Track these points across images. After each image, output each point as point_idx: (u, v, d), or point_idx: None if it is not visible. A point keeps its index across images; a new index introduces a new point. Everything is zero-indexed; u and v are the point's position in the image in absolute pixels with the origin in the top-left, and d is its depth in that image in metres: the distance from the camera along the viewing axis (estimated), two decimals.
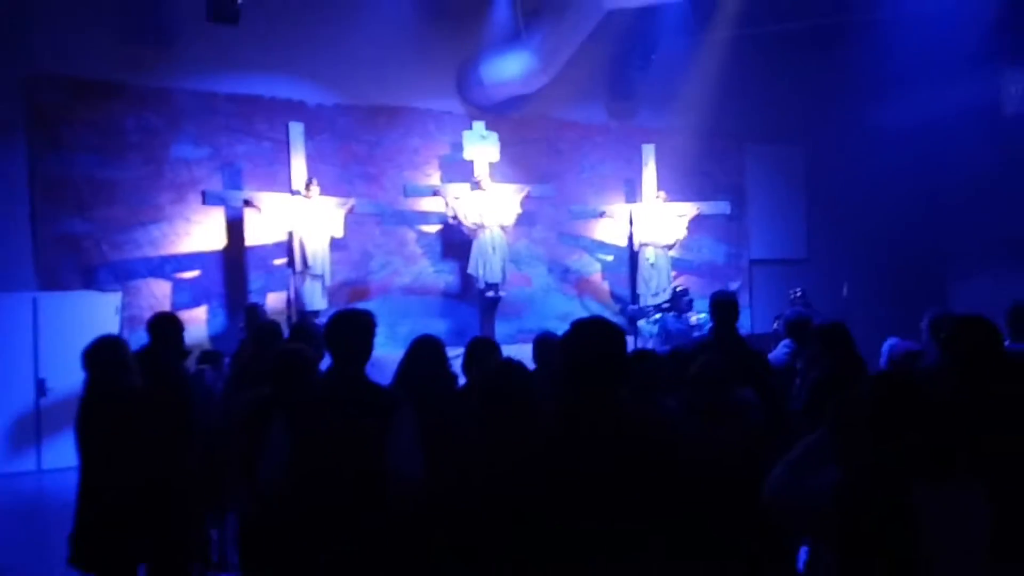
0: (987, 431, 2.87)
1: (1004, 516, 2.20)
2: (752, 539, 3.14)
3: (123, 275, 8.51)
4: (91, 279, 8.40)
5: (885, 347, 5.96)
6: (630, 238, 10.32)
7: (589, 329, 2.42)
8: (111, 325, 7.81)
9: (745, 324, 10.74)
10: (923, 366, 4.37)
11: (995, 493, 2.19)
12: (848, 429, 2.40)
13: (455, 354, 4.49)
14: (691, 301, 9.12)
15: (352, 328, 3.27)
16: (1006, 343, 5.16)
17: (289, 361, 3.70)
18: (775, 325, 7.35)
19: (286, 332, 5.81)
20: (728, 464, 3.07)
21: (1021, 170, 10.68)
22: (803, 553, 4.48)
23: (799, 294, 8.94)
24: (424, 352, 4.13)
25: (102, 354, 3.98)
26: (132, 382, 3.97)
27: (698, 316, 8.93)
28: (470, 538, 2.42)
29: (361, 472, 2.99)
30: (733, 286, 9.11)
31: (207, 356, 5.71)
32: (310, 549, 2.99)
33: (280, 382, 3.59)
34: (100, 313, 8.06)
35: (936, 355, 4.16)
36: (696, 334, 8.36)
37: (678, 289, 9.55)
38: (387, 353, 6.99)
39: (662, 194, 10.13)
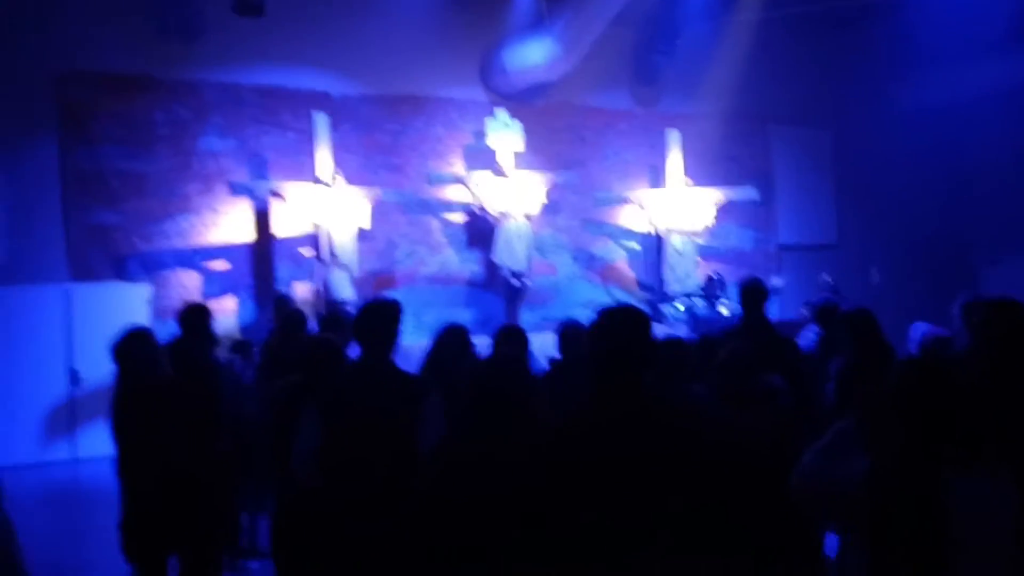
0: (1016, 417, 2.84)
1: None
2: (779, 527, 3.12)
3: (153, 266, 8.63)
4: (122, 270, 8.52)
5: (915, 333, 5.91)
6: (655, 225, 10.27)
7: (616, 316, 2.43)
8: (142, 316, 7.91)
9: (774, 311, 10.66)
10: (954, 352, 4.32)
11: (1022, 479, 2.17)
12: (878, 416, 2.39)
13: (481, 343, 4.52)
14: (724, 286, 9.08)
15: (380, 317, 3.31)
16: None
17: (319, 350, 3.76)
18: (803, 312, 7.29)
19: (313, 322, 5.87)
20: (756, 451, 3.05)
21: None
22: (830, 541, 4.47)
23: (828, 280, 8.87)
24: (451, 340, 4.18)
25: (131, 347, 4.03)
26: (161, 374, 4.03)
27: (727, 305, 8.91)
28: (473, 536, 2.41)
29: (392, 457, 3.02)
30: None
31: (237, 346, 5.77)
32: (342, 535, 3.03)
33: (310, 370, 3.64)
34: (131, 304, 8.17)
35: (967, 340, 4.12)
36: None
37: (713, 277, 9.50)
38: (413, 342, 7.05)
39: (687, 180, 10.07)
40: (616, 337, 2.34)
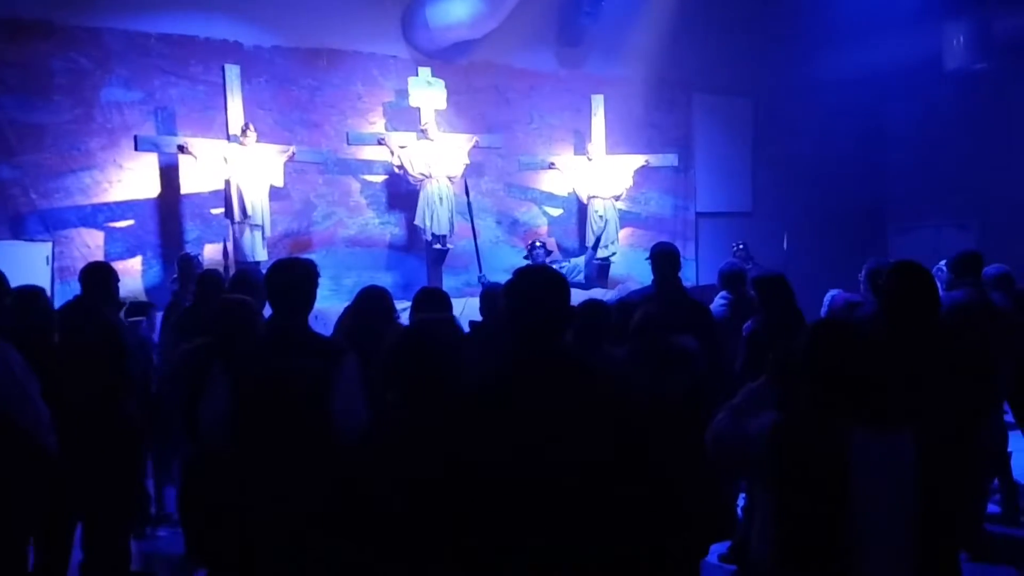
0: (917, 376, 2.93)
1: (929, 461, 2.26)
2: (693, 483, 3.16)
3: (53, 224, 8.16)
4: (20, 228, 8.04)
5: (827, 298, 6.08)
6: (578, 191, 10.27)
7: (531, 276, 2.43)
8: (42, 275, 7.49)
9: (690, 277, 10.85)
10: (861, 315, 4.44)
11: (922, 437, 2.27)
12: (787, 375, 2.44)
13: (402, 307, 4.43)
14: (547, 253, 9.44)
15: (293, 277, 3.19)
16: (942, 291, 5.31)
17: (232, 311, 3.61)
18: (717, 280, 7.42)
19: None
20: (672, 412, 3.07)
21: (963, 124, 10.88)
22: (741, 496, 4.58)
23: (741, 247, 9.04)
24: (370, 303, 4.07)
25: (27, 301, 3.84)
26: (52, 337, 3.84)
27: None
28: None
29: (305, 421, 2.93)
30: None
31: (136, 307, 5.54)
32: (252, 501, 2.92)
33: (222, 332, 3.50)
34: (30, 263, 7.70)
35: (873, 305, 4.24)
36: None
37: (537, 244, 9.58)
38: (331, 306, 6.89)
39: (600, 151, 10.06)
40: (532, 297, 2.33)
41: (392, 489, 2.29)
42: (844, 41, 10.61)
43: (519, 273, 2.40)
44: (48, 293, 4.07)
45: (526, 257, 9.36)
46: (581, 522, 2.16)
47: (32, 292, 4.03)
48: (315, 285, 3.23)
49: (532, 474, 2.15)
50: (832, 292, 6.17)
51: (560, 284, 2.37)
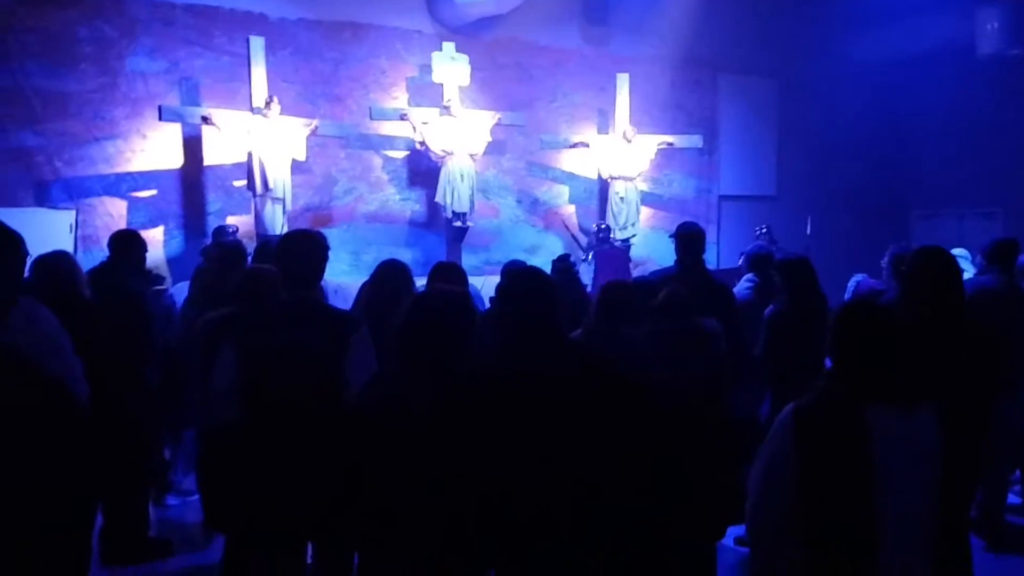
0: (938, 356, 2.90)
1: (952, 442, 2.27)
2: (708, 468, 3.14)
3: (77, 192, 8.21)
4: (44, 196, 8.10)
5: (851, 283, 6.01)
6: (601, 171, 10.20)
7: (520, 277, 2.52)
8: (65, 243, 7.54)
9: (712, 260, 10.76)
10: (884, 301, 4.38)
11: (945, 418, 2.28)
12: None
13: (420, 284, 4.41)
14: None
15: (303, 249, 3.18)
16: (973, 275, 5.24)
17: (255, 280, 3.60)
18: (740, 261, 7.35)
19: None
20: (691, 393, 3.05)
21: (992, 110, 10.68)
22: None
23: (764, 231, 8.96)
24: (390, 277, 4.06)
25: (52, 263, 3.86)
26: (84, 295, 3.86)
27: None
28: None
29: (315, 393, 2.93)
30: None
31: (153, 277, 5.59)
32: (265, 468, 2.93)
33: (244, 301, 3.50)
34: (54, 231, 7.77)
35: (896, 290, 4.19)
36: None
37: (603, 227, 9.66)
38: (351, 281, 6.89)
39: (631, 129, 9.97)
40: (520, 300, 2.40)
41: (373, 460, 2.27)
42: (875, 23, 10.43)
43: (508, 274, 2.52)
44: (71, 257, 4.08)
45: (592, 241, 9.64)
46: (585, 508, 2.16)
47: (56, 255, 4.05)
48: (325, 257, 3.23)
49: (526, 466, 2.14)
50: (857, 277, 6.10)
51: (545, 286, 2.45)
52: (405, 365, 2.36)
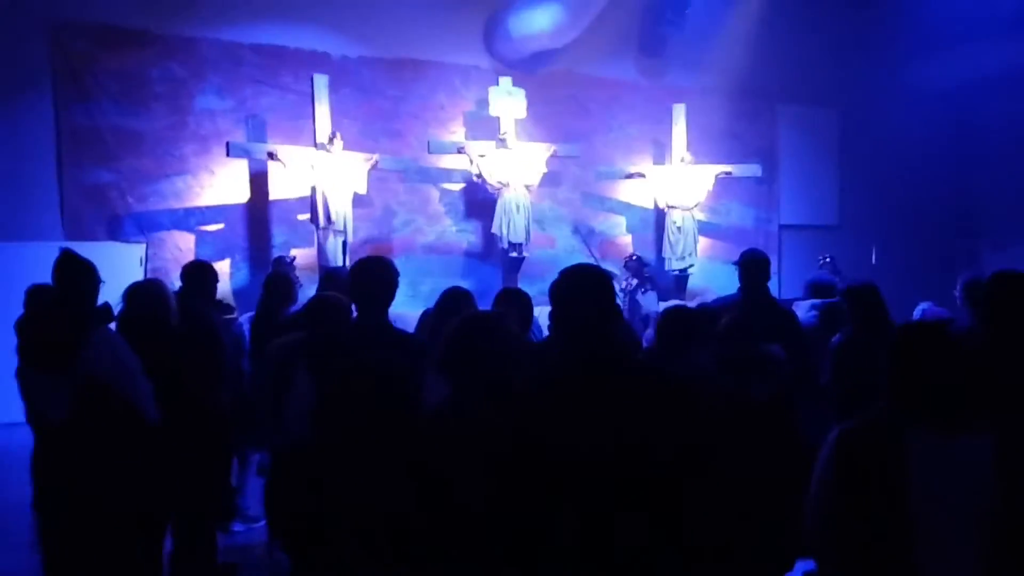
0: (1011, 383, 2.81)
1: (1009, 472, 2.16)
2: (776, 497, 3.07)
3: (147, 226, 8.52)
4: (116, 230, 8.42)
5: (917, 311, 5.86)
6: (657, 201, 10.17)
7: (576, 274, 2.41)
8: (136, 276, 7.78)
9: (773, 289, 10.57)
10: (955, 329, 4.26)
11: (1003, 448, 2.17)
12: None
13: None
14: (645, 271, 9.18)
15: (375, 274, 3.24)
16: None
17: (324, 306, 3.67)
18: (803, 291, 7.22)
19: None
20: (757, 419, 3.00)
21: None
22: None
23: (828, 260, 8.79)
24: (454, 303, 4.09)
25: (146, 290, 3.99)
26: (172, 321, 3.98)
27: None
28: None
29: (387, 418, 2.95)
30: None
31: (223, 307, 5.73)
32: (336, 490, 2.96)
33: (313, 327, 3.56)
34: (125, 264, 8.07)
35: (968, 320, 4.08)
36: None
37: (634, 258, 9.41)
38: (409, 311, 6.96)
39: (688, 156, 9.94)
40: (575, 294, 2.32)
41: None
42: (936, 49, 10.24)
43: (562, 273, 2.40)
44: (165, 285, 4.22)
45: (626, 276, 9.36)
46: (644, 524, 2.11)
47: (149, 284, 4.19)
48: (396, 281, 3.28)
49: (570, 475, 2.11)
50: (923, 305, 5.94)
51: (602, 281, 2.36)
52: (457, 386, 2.42)
